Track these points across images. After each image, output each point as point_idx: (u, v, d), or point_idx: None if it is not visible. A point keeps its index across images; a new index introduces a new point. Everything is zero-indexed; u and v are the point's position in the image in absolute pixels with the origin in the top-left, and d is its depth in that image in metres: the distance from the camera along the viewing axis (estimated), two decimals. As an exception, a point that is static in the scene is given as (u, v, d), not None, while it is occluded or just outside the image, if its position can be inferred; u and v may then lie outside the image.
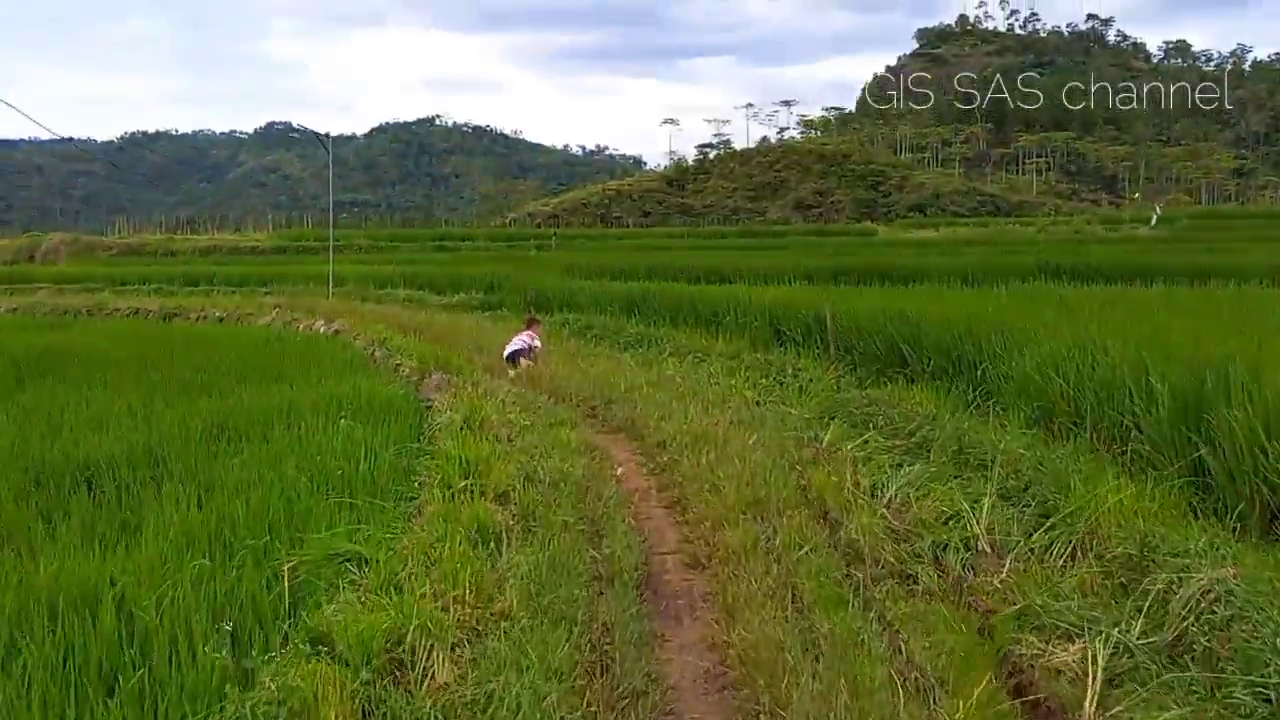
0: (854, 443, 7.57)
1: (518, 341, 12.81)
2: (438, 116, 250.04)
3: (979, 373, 8.27)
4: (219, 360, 14.07)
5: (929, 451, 7.39)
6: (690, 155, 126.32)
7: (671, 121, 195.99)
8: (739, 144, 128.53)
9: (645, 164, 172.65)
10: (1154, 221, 50.14)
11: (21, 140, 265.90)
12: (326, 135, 23.48)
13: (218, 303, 22.99)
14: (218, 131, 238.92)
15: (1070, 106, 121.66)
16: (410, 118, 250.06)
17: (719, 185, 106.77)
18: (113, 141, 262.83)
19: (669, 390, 10.53)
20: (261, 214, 79.38)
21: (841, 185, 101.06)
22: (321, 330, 18.37)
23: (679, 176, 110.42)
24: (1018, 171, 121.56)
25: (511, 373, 12.43)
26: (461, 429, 7.76)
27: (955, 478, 6.50)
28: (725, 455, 6.98)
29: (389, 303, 22.58)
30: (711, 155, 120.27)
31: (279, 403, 9.94)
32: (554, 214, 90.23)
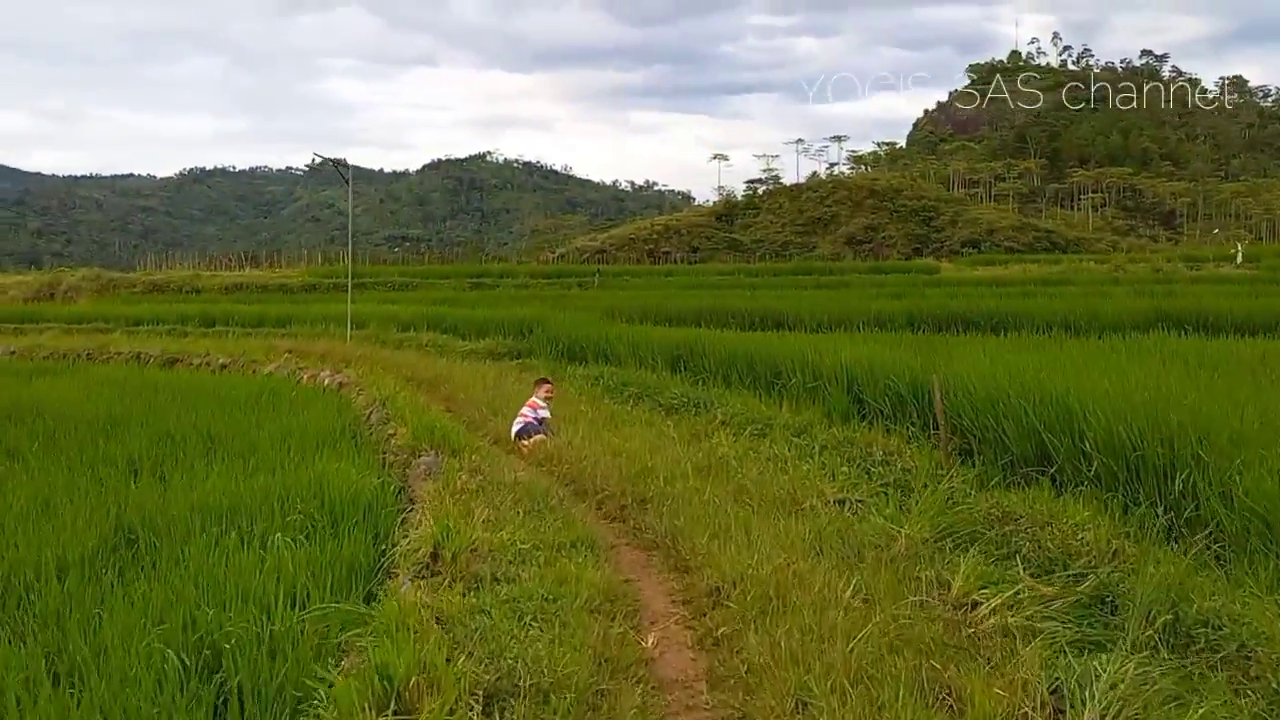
0: (998, 593, 5.07)
1: (524, 415, 10.54)
2: (489, 153, 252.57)
3: (1175, 485, 5.71)
4: (190, 424, 12.07)
5: (1113, 608, 4.91)
6: (739, 190, 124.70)
7: (721, 157, 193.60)
8: (788, 179, 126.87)
9: (694, 199, 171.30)
10: (1238, 260, 46.94)
11: (84, 176, 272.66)
12: (345, 165, 21.43)
13: (226, 347, 20.99)
14: (274, 168, 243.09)
15: (1126, 142, 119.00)
16: (462, 154, 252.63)
17: (769, 220, 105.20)
18: (171, 178, 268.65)
19: (723, 482, 8.09)
20: (313, 249, 78.93)
21: (893, 220, 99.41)
22: (326, 382, 16.22)
23: (728, 211, 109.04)
24: (1073, 207, 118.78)
25: (526, 445, 10.08)
26: (427, 565, 5.40)
27: (1180, 671, 4.03)
28: (812, 625, 4.53)
29: (410, 348, 20.43)
30: (761, 190, 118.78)
31: (219, 499, 7.76)
32: (602, 249, 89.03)
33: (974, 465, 7.62)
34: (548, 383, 11.25)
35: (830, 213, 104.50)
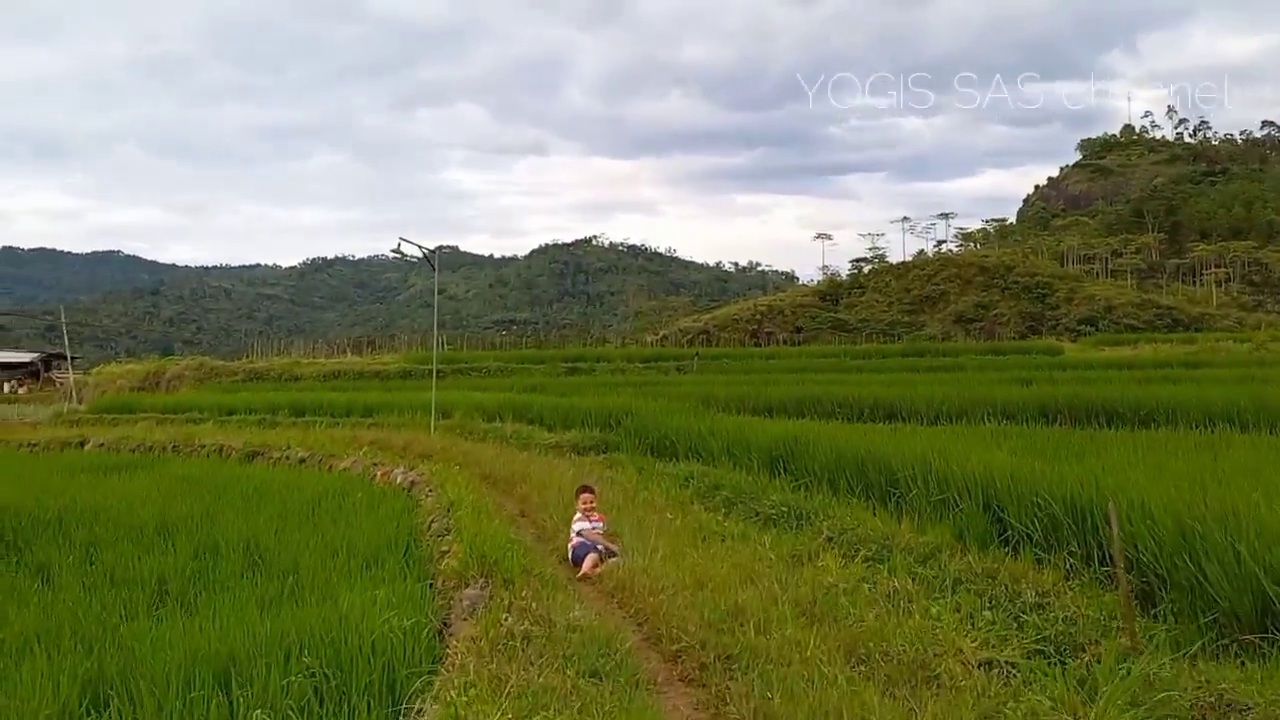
0: None
1: (579, 528, 9.09)
2: (594, 237, 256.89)
3: None
4: (240, 533, 11.06)
5: None
6: (844, 269, 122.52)
7: (824, 236, 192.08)
8: (894, 257, 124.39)
9: (798, 279, 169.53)
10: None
11: (214, 266, 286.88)
12: (434, 250, 20.65)
13: (308, 439, 20.19)
14: (390, 256, 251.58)
15: (1249, 214, 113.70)
16: (569, 239, 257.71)
17: (874, 299, 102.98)
18: (295, 267, 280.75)
19: (831, 631, 6.46)
20: (425, 332, 79.95)
21: (1005, 298, 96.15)
22: (398, 480, 15.12)
23: (832, 290, 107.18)
24: (1194, 283, 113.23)
25: (592, 571, 8.58)
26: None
27: None
28: None
29: (493, 439, 19.26)
30: (866, 269, 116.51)
31: (220, 645, 6.50)
32: (705, 329, 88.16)
33: (1160, 618, 5.81)
34: (588, 491, 9.68)
35: (938, 291, 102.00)
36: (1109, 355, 37.51)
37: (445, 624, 6.90)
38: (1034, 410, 15.92)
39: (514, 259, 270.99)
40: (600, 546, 8.87)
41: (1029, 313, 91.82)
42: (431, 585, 8.20)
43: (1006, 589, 6.94)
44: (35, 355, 54.46)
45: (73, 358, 57.64)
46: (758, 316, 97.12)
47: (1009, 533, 7.99)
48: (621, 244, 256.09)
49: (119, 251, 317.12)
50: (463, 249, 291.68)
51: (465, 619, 6.77)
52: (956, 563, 7.67)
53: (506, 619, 6.50)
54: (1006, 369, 28.98)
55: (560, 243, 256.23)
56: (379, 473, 16.05)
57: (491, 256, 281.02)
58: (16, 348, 61.05)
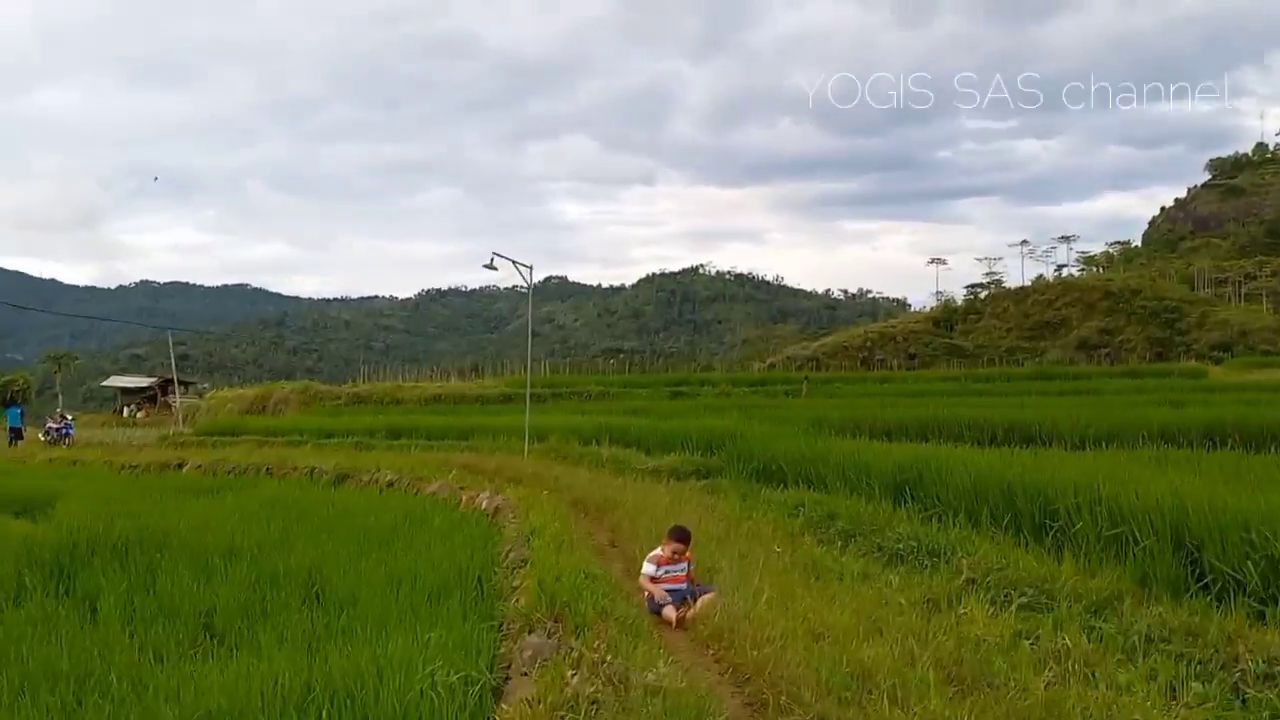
0: None
1: (650, 571, 7.65)
2: (701, 266, 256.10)
3: None
4: (308, 561, 10.14)
5: None
6: (959, 295, 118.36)
7: (939, 261, 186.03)
8: (1011, 282, 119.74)
9: (910, 305, 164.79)
10: None
11: (334, 298, 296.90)
12: (530, 267, 19.71)
13: (399, 462, 19.40)
14: (501, 287, 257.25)
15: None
16: (676, 268, 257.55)
17: (991, 325, 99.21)
18: (410, 298, 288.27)
19: (991, 705, 5.00)
20: (536, 360, 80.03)
21: (1131, 323, 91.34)
22: (484, 505, 14.05)
23: (947, 317, 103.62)
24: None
25: (683, 614, 7.19)
26: None
27: None
28: None
29: (587, 464, 18.09)
30: (982, 294, 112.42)
31: (220, 705, 5.38)
32: (814, 357, 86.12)
33: None
34: (680, 542, 7.71)
35: (1060, 316, 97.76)
36: (1260, 378, 34.30)
37: (507, 678, 5.64)
38: (1197, 433, 13.89)
39: (621, 288, 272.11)
40: (686, 592, 7.48)
41: (1157, 338, 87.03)
42: (500, 628, 6.98)
43: (1218, 652, 5.34)
44: (153, 380, 55.88)
45: (188, 383, 59.17)
46: (868, 343, 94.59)
47: (1208, 577, 6.34)
48: (728, 272, 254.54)
49: (247, 284, 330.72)
50: (571, 279, 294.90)
51: (525, 674, 5.51)
52: (1142, 615, 6.07)
53: (572, 677, 5.22)
54: (1149, 391, 26.52)
55: (667, 272, 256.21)
56: (464, 497, 15.02)
57: (599, 286, 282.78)
58: (152, 374, 62.95)
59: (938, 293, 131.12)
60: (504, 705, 4.99)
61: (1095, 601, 6.54)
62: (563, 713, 4.80)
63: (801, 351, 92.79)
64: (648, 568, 7.57)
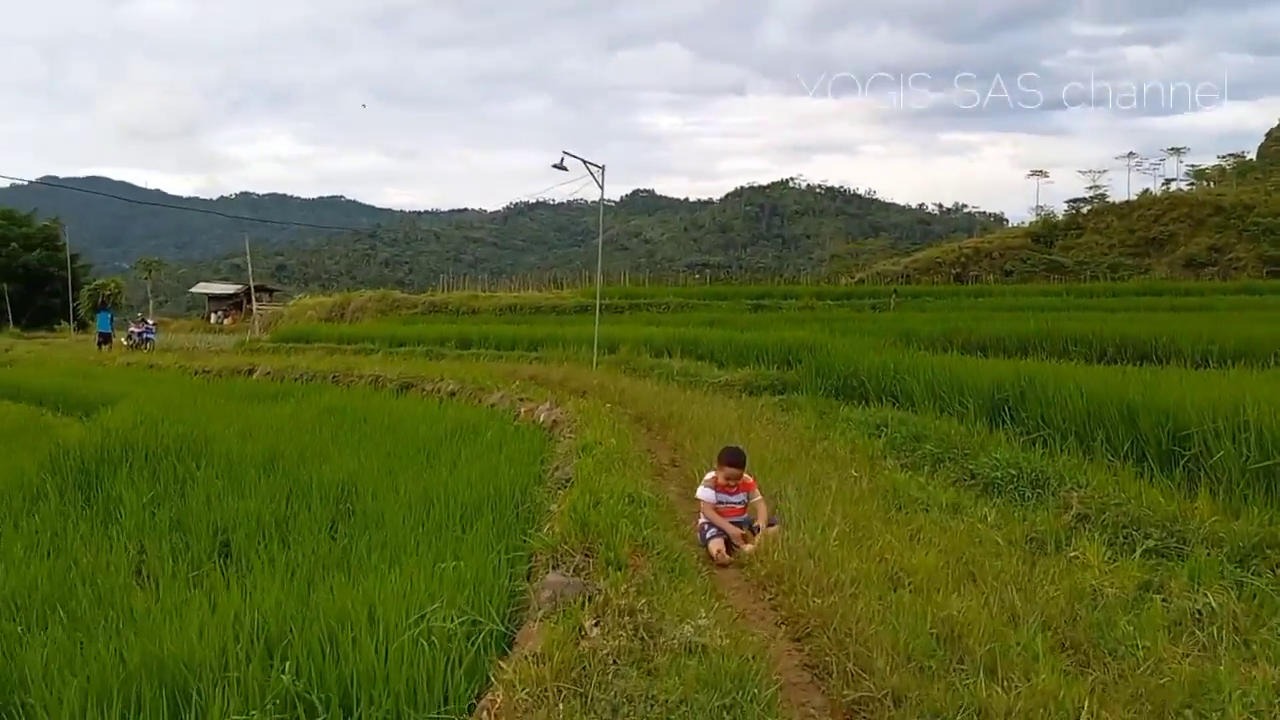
0: None
1: (706, 496, 6.57)
2: (791, 179, 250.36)
3: None
4: (345, 473, 9.58)
5: None
6: (1059, 210, 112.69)
7: (1040, 174, 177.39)
8: (1116, 197, 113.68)
9: (1007, 221, 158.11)
10: None
11: (425, 211, 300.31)
12: (601, 167, 18.58)
13: (465, 371, 18.71)
14: (588, 200, 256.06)
15: None
16: (765, 181, 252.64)
17: (1094, 241, 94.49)
18: (499, 211, 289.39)
19: (1118, 683, 3.93)
20: (618, 274, 79.00)
21: (1243, 240, 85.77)
22: (541, 418, 13.22)
23: (1046, 232, 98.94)
24: None
25: (744, 550, 6.18)
26: None
27: None
28: None
29: (656, 376, 17.13)
30: (1084, 209, 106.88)
31: (168, 651, 4.58)
32: (904, 273, 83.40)
33: None
34: (732, 466, 6.55)
35: (1166, 232, 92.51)
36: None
37: (512, 630, 4.74)
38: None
39: (709, 202, 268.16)
40: (745, 524, 6.46)
41: (1271, 256, 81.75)
42: (529, 559, 6.07)
43: None
44: (239, 287, 56.55)
45: (272, 290, 59.80)
46: (962, 259, 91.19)
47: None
48: (819, 186, 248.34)
49: (342, 196, 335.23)
50: (658, 192, 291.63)
51: (539, 620, 4.60)
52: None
53: (592, 628, 4.28)
54: (1271, 309, 24.33)
55: (756, 185, 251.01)
56: (523, 409, 14.21)
57: (686, 200, 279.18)
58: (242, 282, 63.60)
59: (1037, 207, 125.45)
60: (501, 664, 4.07)
61: (1241, 549, 5.35)
62: (573, 675, 3.87)
63: (892, 267, 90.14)
64: (705, 493, 6.56)
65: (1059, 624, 4.69)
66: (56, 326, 52.12)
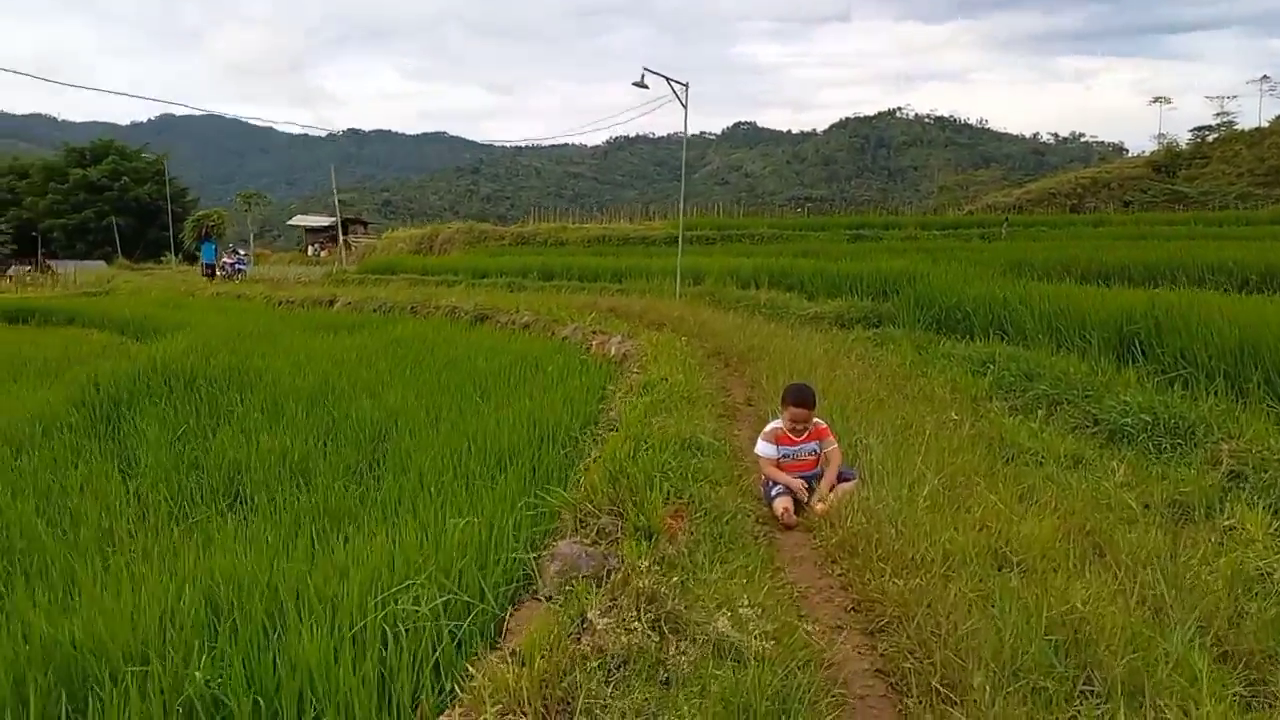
0: None
1: (766, 452, 5.50)
2: (898, 109, 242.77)
3: None
4: (388, 409, 8.91)
5: None
6: (1183, 139, 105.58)
7: (1163, 100, 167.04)
8: (1245, 124, 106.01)
9: (1126, 150, 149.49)
10: None
11: (526, 146, 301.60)
12: (685, 84, 17.36)
13: (542, 302, 17.92)
14: (691, 134, 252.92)
15: None
16: (870, 112, 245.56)
17: (1219, 170, 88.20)
18: (599, 146, 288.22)
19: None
20: (713, 206, 77.09)
21: (1385, 168, 79.04)
22: (612, 352, 12.31)
23: (1169, 162, 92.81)
24: None
25: (814, 507, 5.13)
26: None
27: None
28: None
29: (742, 308, 16.01)
30: (1210, 138, 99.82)
31: (81, 636, 3.72)
32: (1016, 205, 79.50)
33: None
34: (799, 406, 5.57)
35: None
36: None
37: (507, 615, 3.81)
38: None
39: (812, 134, 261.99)
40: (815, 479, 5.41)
41: None
42: (557, 517, 5.14)
43: None
44: (334, 220, 56.92)
45: (365, 222, 60.06)
46: (1079, 190, 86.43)
47: None
48: (927, 116, 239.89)
49: (445, 132, 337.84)
50: (759, 125, 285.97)
51: (543, 604, 3.67)
52: None
53: (600, 619, 3.32)
54: None
55: (861, 116, 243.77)
56: (595, 342, 13.32)
57: (789, 132, 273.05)
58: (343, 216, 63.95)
59: (1159, 135, 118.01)
60: (472, 666, 3.14)
61: None
62: (563, 686, 2.93)
63: (1003, 199, 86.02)
64: (764, 448, 5.53)
65: (1219, 624, 3.55)
66: (163, 258, 53.26)
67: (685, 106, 18.19)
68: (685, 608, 3.44)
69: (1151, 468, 5.79)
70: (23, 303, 24.40)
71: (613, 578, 3.64)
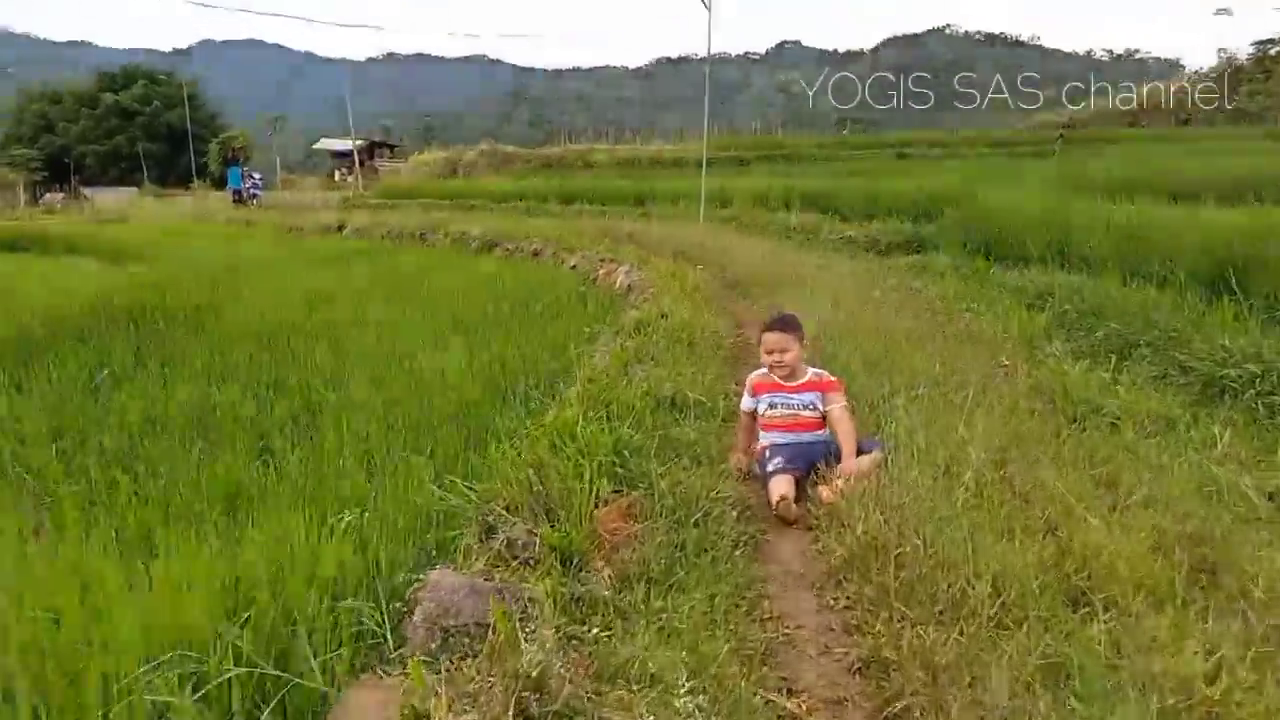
0: None
1: (757, 407, 4.32)
2: (946, 26, 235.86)
3: None
4: (335, 360, 7.45)
5: None
6: (1244, 53, 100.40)
7: (1224, 12, 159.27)
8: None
9: (1183, 66, 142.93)
10: None
11: (568, 69, 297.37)
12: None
13: (555, 229, 16.63)
14: (733, 54, 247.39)
15: None
16: (919, 29, 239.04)
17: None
18: (643, 68, 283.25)
19: None
20: (769, 128, 74.57)
21: None
22: (619, 283, 11.07)
23: (1229, 77, 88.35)
24: None
25: (820, 492, 3.90)
26: None
27: None
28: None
29: (772, 232, 14.66)
30: (1274, 51, 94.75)
31: None
32: (1068, 124, 76.20)
33: None
34: (781, 329, 4.42)
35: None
36: None
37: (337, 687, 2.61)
38: None
39: (859, 53, 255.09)
40: (819, 449, 4.18)
41: None
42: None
43: None
44: (360, 144, 55.60)
45: (392, 146, 58.61)
46: (1135, 107, 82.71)
47: None
48: (977, 33, 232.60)
49: (485, 56, 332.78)
50: (805, 44, 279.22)
51: (382, 683, 2.48)
52: None
53: (439, 689, 2.12)
54: None
55: (909, 34, 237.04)
56: (602, 271, 12.08)
57: (835, 52, 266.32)
58: (392, 145, 62.39)
59: (1220, 50, 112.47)
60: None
61: None
62: None
63: (1054, 118, 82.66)
64: (746, 402, 4.32)
65: None
66: (191, 185, 52.40)
67: (708, 7, 16.62)
68: (591, 698, 2.24)
69: (1265, 435, 4.47)
70: (20, 231, 23.56)
71: (492, 641, 2.43)
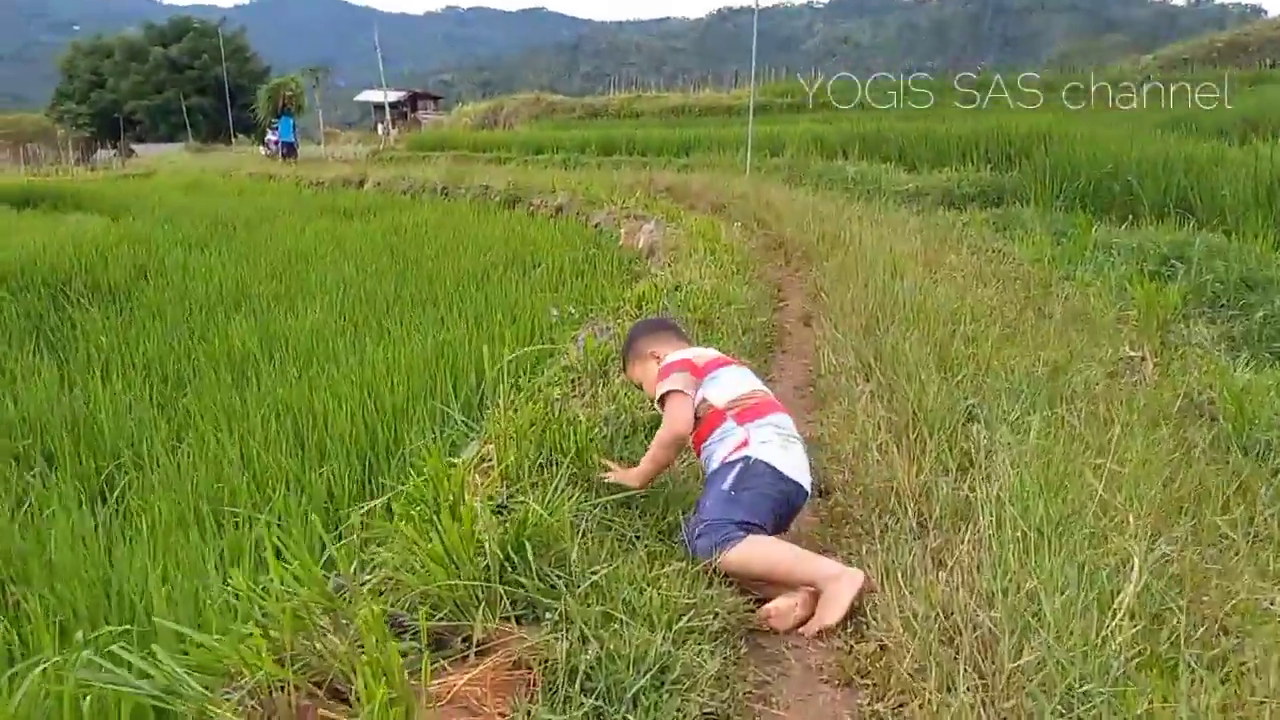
0: None
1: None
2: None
3: None
4: (303, 327, 6.04)
5: None
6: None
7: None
8: None
9: (1265, 12, 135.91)
10: None
11: (627, 21, 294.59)
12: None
13: (576, 183, 15.06)
14: (796, 4, 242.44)
15: None
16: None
17: (1376, 30, 78.79)
18: (702, 19, 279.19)
19: None
20: (826, 79, 71.77)
21: None
22: (641, 243, 9.51)
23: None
24: None
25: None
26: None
27: None
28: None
29: (826, 184, 12.90)
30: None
31: None
32: (1146, 74, 72.23)
33: None
34: (664, 330, 3.11)
35: None
36: None
37: None
38: None
39: (925, 2, 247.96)
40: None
41: None
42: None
43: None
44: (401, 95, 54.04)
45: (435, 97, 57.08)
46: (1214, 55, 78.25)
47: None
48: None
49: (543, 8, 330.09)
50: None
51: None
52: None
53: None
54: None
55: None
56: (624, 230, 10.54)
57: (901, 0, 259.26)
58: (456, 100, 60.78)
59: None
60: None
61: None
62: None
63: (1130, 66, 78.55)
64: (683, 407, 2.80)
65: None
66: (236, 138, 51.32)
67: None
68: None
69: None
70: (36, 187, 22.58)
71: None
